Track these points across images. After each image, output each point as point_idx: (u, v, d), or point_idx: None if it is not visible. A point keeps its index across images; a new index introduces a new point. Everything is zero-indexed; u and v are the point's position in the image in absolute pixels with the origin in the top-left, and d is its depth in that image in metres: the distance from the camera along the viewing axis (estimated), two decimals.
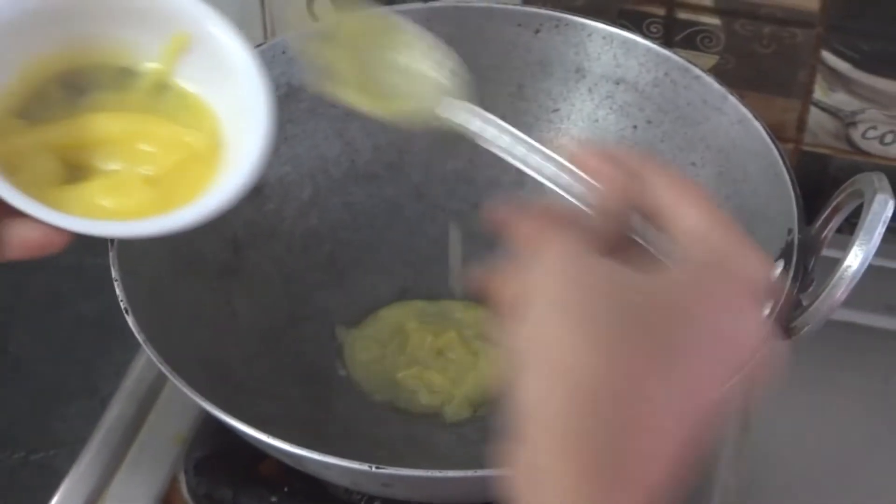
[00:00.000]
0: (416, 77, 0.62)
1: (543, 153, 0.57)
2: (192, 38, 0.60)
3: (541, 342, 0.47)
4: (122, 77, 0.61)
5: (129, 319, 0.67)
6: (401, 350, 0.80)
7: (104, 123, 0.59)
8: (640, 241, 0.53)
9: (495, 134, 0.59)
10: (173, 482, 0.78)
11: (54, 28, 0.58)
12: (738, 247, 0.51)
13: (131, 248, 0.69)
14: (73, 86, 0.60)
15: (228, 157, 0.60)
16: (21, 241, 0.55)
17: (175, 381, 0.65)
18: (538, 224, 0.51)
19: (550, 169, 0.56)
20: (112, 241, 0.68)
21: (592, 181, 0.54)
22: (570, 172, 0.55)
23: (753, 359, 0.49)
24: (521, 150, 0.58)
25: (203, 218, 0.57)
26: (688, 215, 0.51)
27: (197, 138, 0.60)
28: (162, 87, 0.61)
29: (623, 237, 0.53)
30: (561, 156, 0.56)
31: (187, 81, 0.62)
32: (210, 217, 0.57)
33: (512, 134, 0.59)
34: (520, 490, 0.46)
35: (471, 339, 0.80)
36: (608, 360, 0.45)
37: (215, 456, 0.77)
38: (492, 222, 0.53)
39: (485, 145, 0.59)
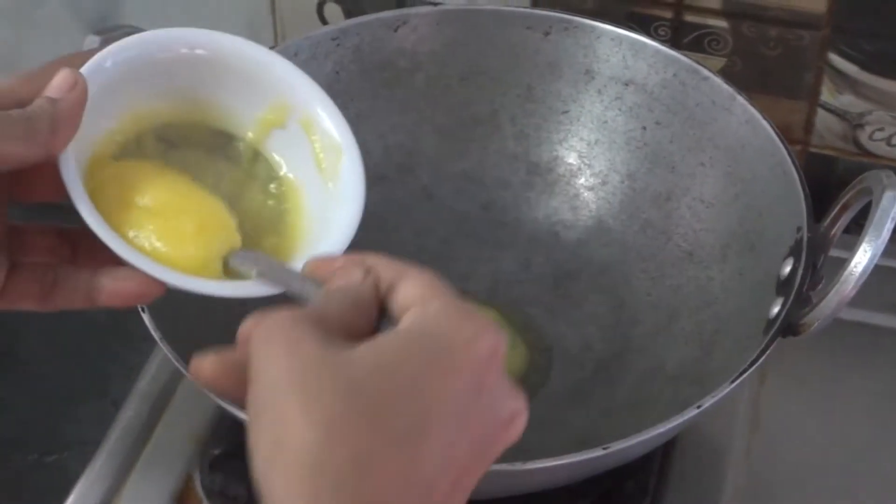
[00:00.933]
0: None
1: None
2: (290, 111, 0.59)
3: (262, 421, 0.45)
4: (217, 140, 0.60)
5: (145, 317, 0.67)
6: None
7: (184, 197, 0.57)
8: None
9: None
10: (188, 480, 0.78)
11: (161, 83, 0.58)
12: (456, 318, 0.47)
13: None
14: (167, 140, 0.59)
15: (310, 233, 0.59)
16: (115, 289, 0.54)
17: (190, 377, 0.65)
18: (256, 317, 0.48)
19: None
20: None
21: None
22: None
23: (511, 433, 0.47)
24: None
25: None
26: (405, 288, 0.49)
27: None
28: (255, 156, 0.60)
29: None
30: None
31: (281, 154, 0.60)
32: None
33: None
34: None
35: None
36: (327, 436, 0.43)
37: (230, 453, 0.77)
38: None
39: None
